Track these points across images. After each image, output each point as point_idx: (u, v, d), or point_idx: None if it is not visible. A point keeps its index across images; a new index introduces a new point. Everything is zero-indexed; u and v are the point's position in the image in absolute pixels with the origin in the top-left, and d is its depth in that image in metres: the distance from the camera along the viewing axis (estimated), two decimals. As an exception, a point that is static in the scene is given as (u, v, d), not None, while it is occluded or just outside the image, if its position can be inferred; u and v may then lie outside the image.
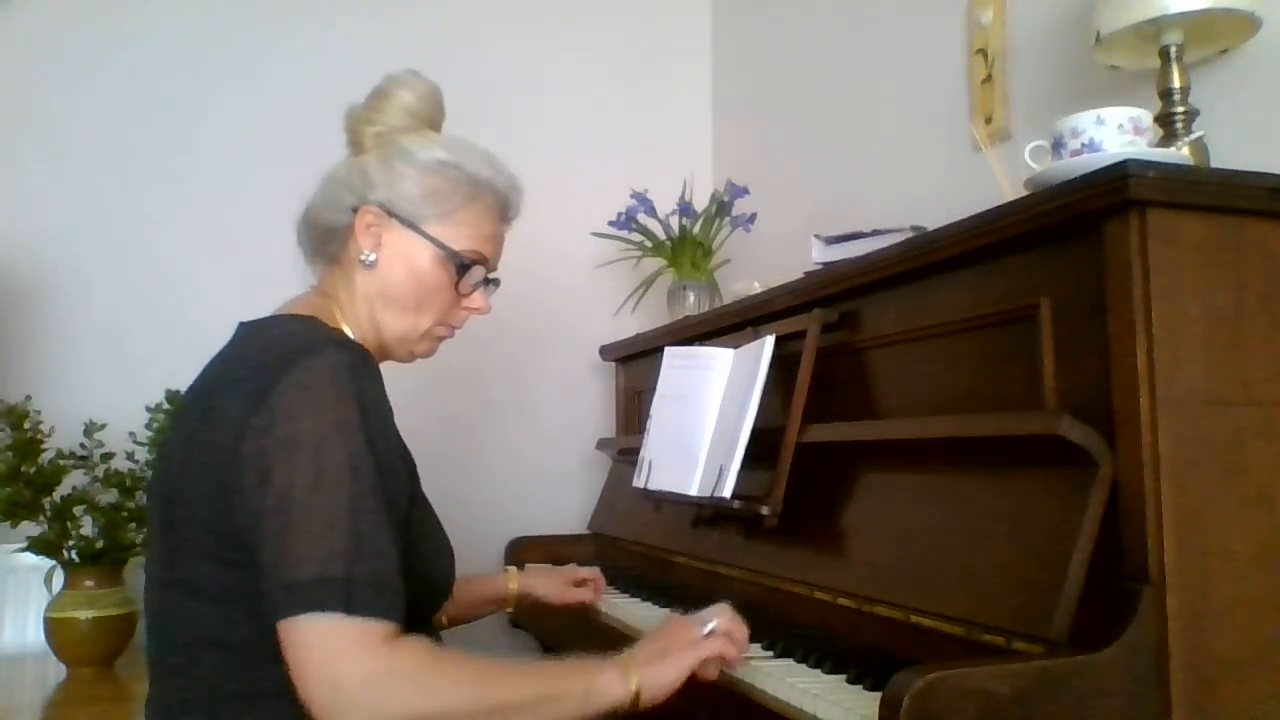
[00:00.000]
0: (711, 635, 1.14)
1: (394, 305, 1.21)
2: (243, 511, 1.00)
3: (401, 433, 1.12)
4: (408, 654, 0.97)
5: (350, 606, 0.94)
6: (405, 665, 0.96)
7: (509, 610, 1.72)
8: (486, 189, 1.23)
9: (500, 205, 1.26)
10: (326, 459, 0.98)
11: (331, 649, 0.94)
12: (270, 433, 0.99)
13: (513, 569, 1.71)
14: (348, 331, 1.19)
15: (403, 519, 1.07)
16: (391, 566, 0.99)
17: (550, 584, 1.69)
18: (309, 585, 0.94)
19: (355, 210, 1.20)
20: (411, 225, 1.20)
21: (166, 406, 2.06)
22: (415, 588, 1.03)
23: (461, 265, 1.21)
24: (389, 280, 1.20)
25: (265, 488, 0.98)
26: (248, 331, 1.16)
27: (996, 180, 1.49)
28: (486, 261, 1.25)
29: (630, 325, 2.55)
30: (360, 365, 1.06)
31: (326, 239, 1.23)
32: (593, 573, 1.74)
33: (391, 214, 1.19)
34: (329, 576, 0.94)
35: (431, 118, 1.26)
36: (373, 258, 1.19)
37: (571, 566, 1.77)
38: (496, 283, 1.29)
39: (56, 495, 1.95)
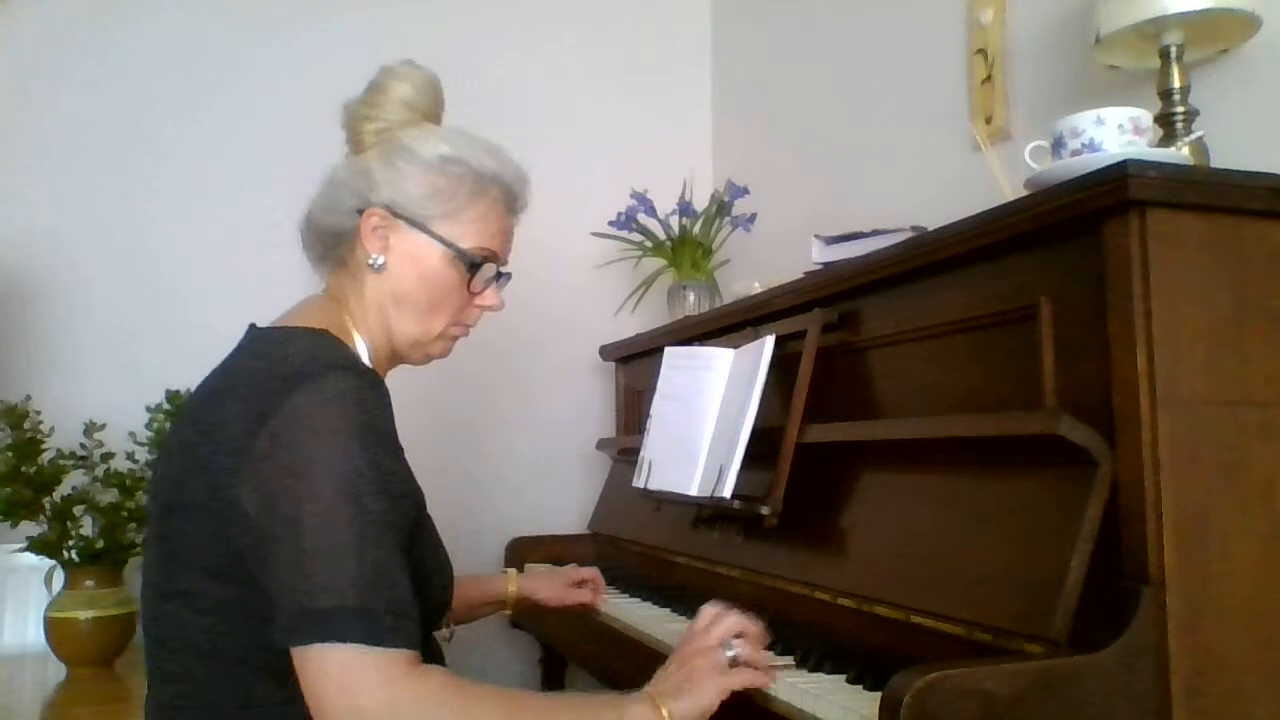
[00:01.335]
0: (736, 663, 1.11)
1: (406, 308, 1.19)
2: (244, 532, 0.99)
3: (401, 434, 1.10)
4: (430, 683, 0.95)
5: (371, 637, 0.93)
6: (428, 694, 0.95)
7: (508, 612, 1.72)
8: (492, 183, 1.21)
9: (508, 198, 1.23)
10: (332, 488, 0.96)
11: (352, 680, 0.92)
12: (273, 458, 0.97)
13: (512, 571, 1.71)
14: (359, 339, 1.18)
15: (407, 543, 1.05)
16: (406, 594, 0.98)
17: (549, 587, 1.68)
18: (328, 614, 0.92)
19: (360, 213, 1.17)
20: (418, 226, 1.17)
21: (166, 406, 2.06)
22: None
23: (472, 264, 1.19)
24: (399, 283, 1.18)
25: (270, 514, 0.96)
26: (256, 340, 1.14)
27: (996, 180, 1.49)
28: (496, 258, 1.23)
29: (630, 325, 2.55)
30: (366, 390, 1.03)
31: (332, 243, 1.21)
32: (592, 573, 1.73)
33: (397, 215, 1.17)
34: (348, 606, 0.93)
35: (431, 109, 1.23)
36: (381, 261, 1.17)
37: (571, 567, 1.77)
38: (508, 276, 1.27)
39: (56, 495, 1.95)
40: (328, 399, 0.99)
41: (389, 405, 1.07)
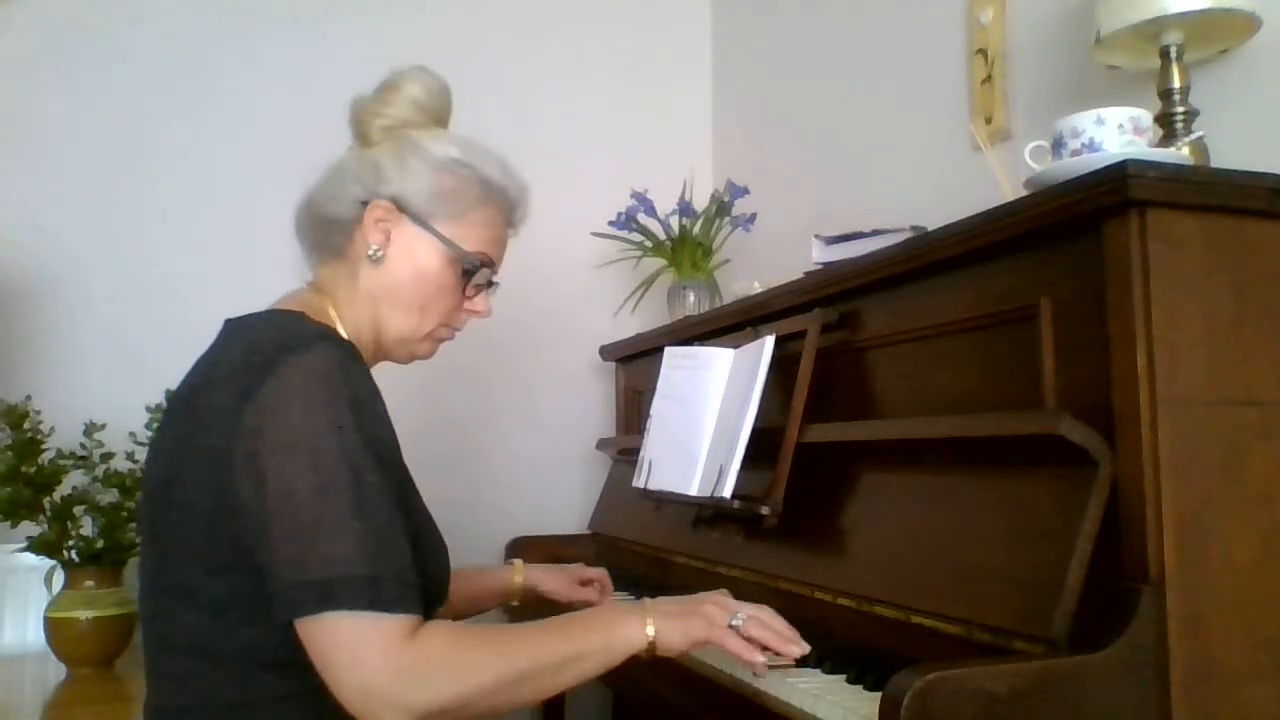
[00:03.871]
0: (735, 630, 1.11)
1: (399, 304, 1.20)
2: (239, 514, 0.99)
3: (400, 433, 1.11)
4: (432, 644, 0.97)
5: (377, 604, 0.94)
6: (431, 656, 0.97)
7: (514, 604, 1.71)
8: (498, 192, 1.23)
9: (509, 210, 1.26)
10: (327, 460, 0.97)
11: (358, 648, 0.94)
12: (262, 434, 0.98)
13: (518, 562, 1.69)
14: (340, 329, 1.18)
15: (403, 512, 1.06)
16: (409, 560, 0.99)
17: (556, 580, 1.67)
18: (333, 583, 0.94)
19: (364, 204, 1.18)
20: (422, 222, 1.18)
21: (166, 406, 2.05)
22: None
23: (470, 267, 1.21)
24: (395, 278, 1.19)
25: (263, 490, 0.97)
26: (233, 329, 1.15)
27: (996, 180, 1.48)
28: (493, 264, 1.24)
29: (630, 325, 2.55)
30: (348, 359, 1.05)
31: (331, 231, 1.21)
32: (599, 573, 1.72)
33: (403, 210, 1.18)
34: (354, 575, 0.94)
35: (440, 114, 1.25)
36: (380, 253, 1.18)
37: (579, 565, 1.76)
38: (497, 286, 1.29)
39: (56, 495, 1.95)
40: (312, 370, 1.01)
41: (369, 372, 1.09)
